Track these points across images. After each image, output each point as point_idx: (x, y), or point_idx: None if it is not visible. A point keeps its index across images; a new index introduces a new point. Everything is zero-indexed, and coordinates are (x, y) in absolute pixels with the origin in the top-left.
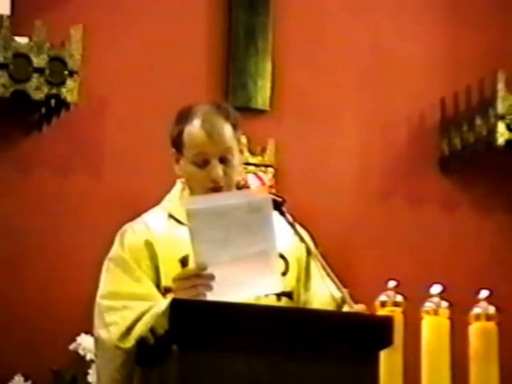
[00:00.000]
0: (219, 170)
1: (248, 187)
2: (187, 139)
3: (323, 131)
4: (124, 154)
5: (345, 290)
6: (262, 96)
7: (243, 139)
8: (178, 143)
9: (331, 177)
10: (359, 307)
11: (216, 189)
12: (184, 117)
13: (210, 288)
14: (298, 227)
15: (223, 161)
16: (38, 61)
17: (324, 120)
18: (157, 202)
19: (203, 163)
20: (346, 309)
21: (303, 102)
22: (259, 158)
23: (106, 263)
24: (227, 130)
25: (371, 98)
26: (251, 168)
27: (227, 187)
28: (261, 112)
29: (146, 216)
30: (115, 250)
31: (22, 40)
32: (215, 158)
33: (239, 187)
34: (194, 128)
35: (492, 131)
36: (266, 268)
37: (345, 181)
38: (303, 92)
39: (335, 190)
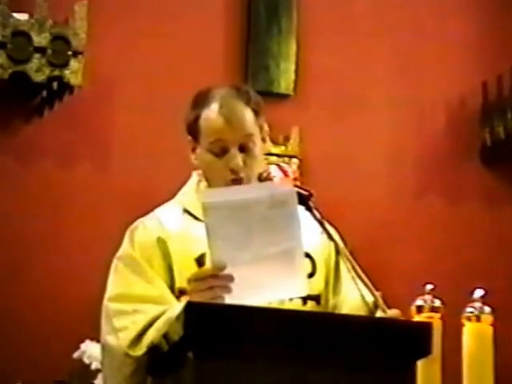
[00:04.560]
0: (239, 159)
1: (271, 180)
2: (204, 125)
3: (352, 118)
4: (133, 143)
5: (377, 294)
6: (285, 79)
7: (266, 126)
8: (193, 130)
9: (361, 169)
10: (393, 313)
11: (235, 180)
12: (200, 101)
13: (228, 290)
14: (326, 224)
15: (243, 149)
16: (39, 40)
17: (353, 106)
18: (170, 195)
19: (221, 152)
20: (378, 314)
21: (330, 85)
22: (282, 147)
23: (114, 263)
24: (248, 115)
25: (405, 81)
26: (273, 159)
27: (248, 179)
28: (284, 97)
29: (158, 211)
30: (125, 248)
31: (21, 17)
32: (234, 147)
33: (261, 180)
34: (212, 113)
35: None
36: (291, 269)
37: (375, 173)
38: (330, 75)
39: (365, 184)
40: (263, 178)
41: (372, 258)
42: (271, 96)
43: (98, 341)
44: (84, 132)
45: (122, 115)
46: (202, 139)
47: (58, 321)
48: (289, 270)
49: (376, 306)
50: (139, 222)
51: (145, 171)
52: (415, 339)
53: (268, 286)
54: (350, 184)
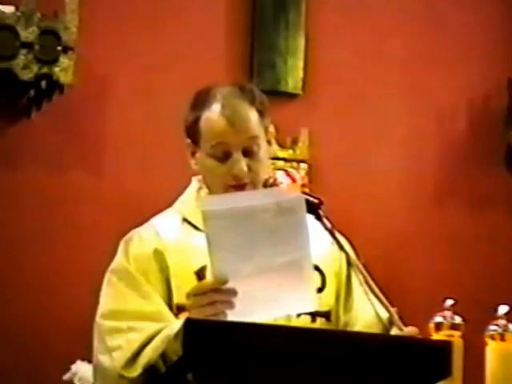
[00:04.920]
0: (243, 164)
1: (278, 186)
2: (205, 128)
3: (366, 119)
4: (129, 146)
5: (393, 310)
6: (292, 77)
7: (271, 128)
8: (193, 133)
9: (375, 175)
10: (410, 330)
11: (239, 186)
12: (201, 101)
13: (231, 306)
14: (337, 234)
15: (248, 153)
16: (26, 34)
17: (367, 106)
18: (168, 203)
19: (224, 156)
20: (394, 332)
21: (342, 84)
22: (289, 151)
23: (107, 276)
24: (252, 115)
25: (424, 79)
26: (280, 163)
27: (252, 185)
28: (292, 96)
29: (155, 220)
30: (118, 260)
31: (7, 9)
32: (238, 150)
33: (267, 186)
34: (213, 114)
35: None
36: (299, 281)
37: (391, 179)
38: (342, 72)
39: (380, 191)
40: (269, 185)
41: (387, 270)
42: (278, 95)
43: (90, 361)
44: (75, 135)
45: (116, 116)
46: (202, 143)
47: (45, 339)
48: (297, 283)
49: (391, 323)
50: (134, 232)
51: (141, 177)
52: (434, 359)
53: (274, 300)
54: (363, 191)
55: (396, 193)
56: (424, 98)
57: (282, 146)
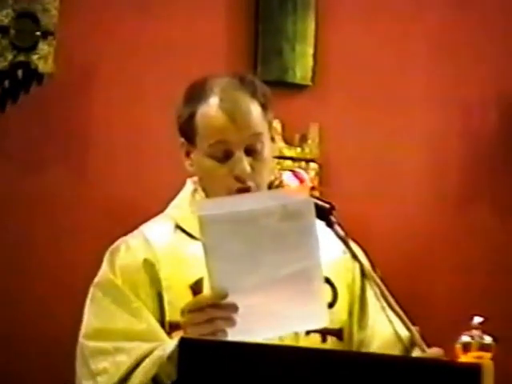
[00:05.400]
0: (245, 164)
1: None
2: (201, 124)
3: (384, 114)
4: (116, 143)
5: (414, 329)
6: (301, 66)
7: (276, 123)
8: (188, 130)
9: (394, 176)
10: (434, 351)
11: (242, 190)
12: (196, 94)
13: (231, 323)
14: (350, 242)
15: (250, 152)
16: (0, 17)
17: (385, 99)
18: (160, 208)
19: (224, 156)
20: (415, 353)
21: (357, 73)
22: (298, 149)
23: (91, 291)
24: (254, 110)
25: (449, 68)
26: (287, 163)
27: (256, 188)
28: (300, 88)
29: (145, 228)
30: (103, 273)
31: None
32: (240, 149)
33: (272, 188)
34: (211, 109)
35: None
36: (307, 295)
37: (412, 181)
38: (357, 61)
39: (399, 194)
40: (275, 187)
41: (407, 283)
42: (285, 86)
43: None
44: (55, 130)
45: (102, 110)
46: (198, 141)
47: (24, 362)
48: (305, 296)
49: (412, 343)
50: (121, 241)
51: (129, 178)
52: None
53: (280, 316)
54: (380, 194)
55: (417, 197)
56: (449, 91)
57: (289, 143)
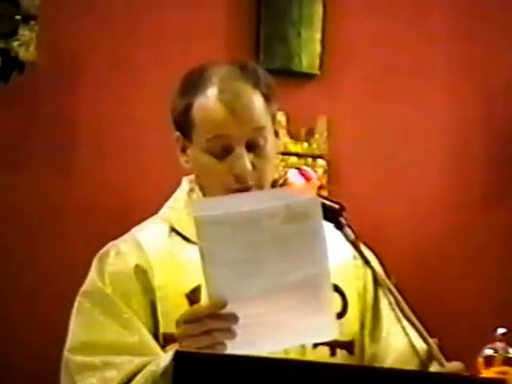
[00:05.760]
0: (246, 160)
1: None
2: (199, 117)
3: (398, 105)
4: (105, 139)
5: (432, 341)
6: (308, 54)
7: (280, 116)
8: (184, 124)
9: (409, 173)
10: (454, 366)
11: (242, 189)
12: (193, 84)
13: (231, 335)
14: (362, 247)
15: (252, 148)
16: None
17: (399, 89)
18: (154, 209)
19: (223, 151)
20: (434, 368)
21: (368, 61)
22: (304, 144)
23: (78, 301)
24: (257, 101)
25: (470, 54)
26: (292, 160)
27: (258, 187)
28: (307, 77)
29: (137, 231)
30: (92, 281)
31: None
32: (241, 144)
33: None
34: (209, 100)
35: None
36: (314, 304)
37: (429, 179)
38: (369, 48)
39: (415, 193)
40: (279, 187)
41: (424, 291)
42: (290, 76)
43: None
44: (38, 124)
45: (89, 102)
46: (195, 136)
47: (4, 379)
48: (312, 305)
49: (430, 356)
50: (111, 245)
51: (120, 176)
52: None
53: (284, 327)
54: (394, 193)
55: (435, 195)
56: (470, 80)
57: (294, 138)
